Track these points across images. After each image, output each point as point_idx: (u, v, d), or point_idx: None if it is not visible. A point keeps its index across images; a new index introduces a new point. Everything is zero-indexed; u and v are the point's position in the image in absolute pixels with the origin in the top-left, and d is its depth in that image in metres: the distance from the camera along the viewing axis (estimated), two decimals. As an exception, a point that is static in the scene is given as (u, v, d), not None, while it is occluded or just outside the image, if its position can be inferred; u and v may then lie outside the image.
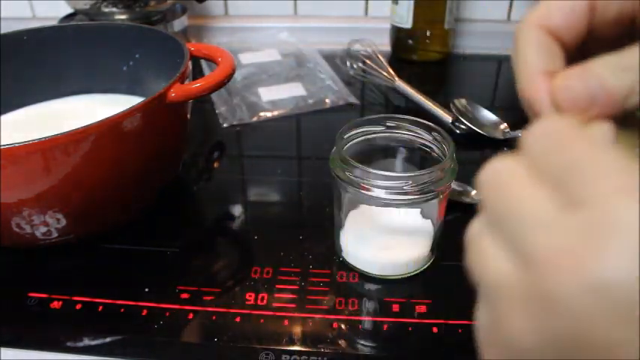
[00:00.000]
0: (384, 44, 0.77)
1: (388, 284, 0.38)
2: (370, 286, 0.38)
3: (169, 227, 0.44)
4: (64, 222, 0.37)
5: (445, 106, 0.58)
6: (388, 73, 0.64)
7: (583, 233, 0.14)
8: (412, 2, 0.70)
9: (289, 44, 0.78)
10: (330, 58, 0.73)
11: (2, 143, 0.31)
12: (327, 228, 0.42)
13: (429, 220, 0.38)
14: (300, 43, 0.79)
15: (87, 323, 0.35)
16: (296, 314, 0.35)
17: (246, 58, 0.74)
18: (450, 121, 0.56)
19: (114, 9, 0.70)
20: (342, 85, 0.66)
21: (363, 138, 0.38)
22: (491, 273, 0.17)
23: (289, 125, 0.60)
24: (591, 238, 0.13)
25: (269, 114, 0.61)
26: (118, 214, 0.42)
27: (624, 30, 0.21)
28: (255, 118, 0.60)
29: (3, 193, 0.33)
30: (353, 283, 0.38)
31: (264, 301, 0.36)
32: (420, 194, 0.33)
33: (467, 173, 0.51)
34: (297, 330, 0.34)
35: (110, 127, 0.34)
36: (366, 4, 0.82)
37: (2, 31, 0.49)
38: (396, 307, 0.36)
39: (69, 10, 0.76)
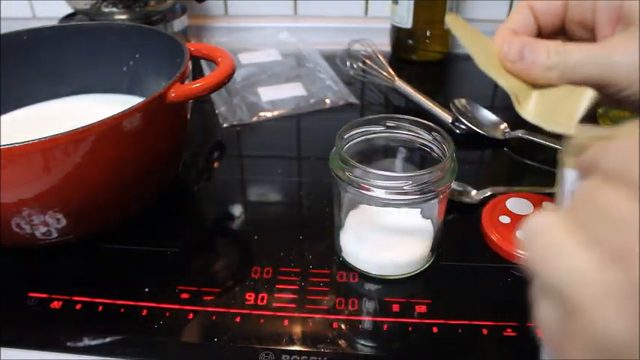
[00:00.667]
0: (384, 44, 0.77)
1: (388, 284, 0.38)
2: (370, 286, 0.38)
3: (169, 227, 0.44)
4: (64, 222, 0.37)
5: (445, 106, 0.58)
6: (388, 73, 0.64)
7: None
8: (412, 2, 0.70)
9: (289, 44, 0.78)
10: (330, 58, 0.73)
11: (2, 143, 0.31)
12: (327, 228, 0.42)
13: (429, 220, 0.38)
14: (300, 43, 0.79)
15: (87, 323, 0.35)
16: (296, 314, 0.35)
17: (246, 58, 0.74)
18: (450, 121, 0.56)
19: (114, 9, 0.70)
20: (342, 85, 0.66)
21: (363, 138, 0.38)
22: (571, 271, 0.16)
23: (289, 125, 0.60)
24: None
25: (269, 114, 0.61)
26: (118, 214, 0.42)
27: (588, 35, 0.29)
28: (255, 118, 0.60)
29: (3, 193, 0.33)
30: (353, 283, 0.38)
31: (264, 301, 0.36)
32: (420, 194, 0.33)
33: (467, 173, 0.51)
34: (297, 330, 0.34)
35: (110, 127, 0.34)
36: (366, 4, 0.82)
37: (2, 31, 0.49)
38: (396, 307, 0.36)
39: (69, 10, 0.76)
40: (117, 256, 0.41)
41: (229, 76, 0.41)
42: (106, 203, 0.39)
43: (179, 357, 0.34)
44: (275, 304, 0.36)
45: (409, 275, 0.38)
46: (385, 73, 0.65)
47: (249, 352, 0.33)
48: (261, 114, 0.61)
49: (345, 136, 0.37)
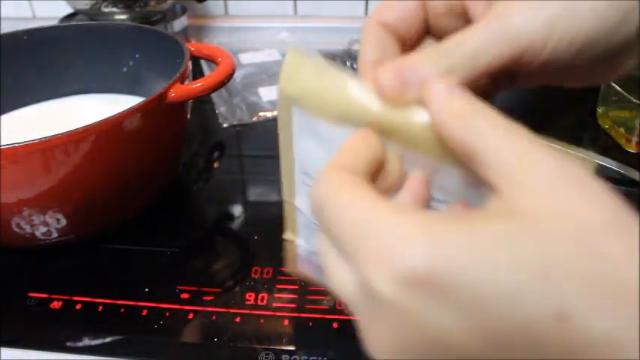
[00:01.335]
0: (384, 44, 0.77)
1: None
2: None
3: (169, 227, 0.44)
4: (64, 222, 0.37)
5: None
6: (388, 73, 0.64)
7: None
8: (412, 2, 0.70)
9: (289, 44, 0.78)
10: (330, 58, 0.73)
11: (2, 143, 0.31)
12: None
13: None
14: (300, 43, 0.79)
15: (87, 323, 0.35)
16: (296, 314, 0.35)
17: (246, 58, 0.74)
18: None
19: (114, 9, 0.70)
20: (342, 85, 0.66)
21: None
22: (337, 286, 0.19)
23: (289, 125, 0.60)
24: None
25: (269, 114, 0.61)
26: (117, 214, 0.42)
27: (460, 22, 0.23)
28: (255, 118, 0.60)
29: (3, 193, 0.33)
30: (353, 283, 0.38)
31: (264, 301, 0.36)
32: None
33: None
34: (297, 330, 0.34)
35: (110, 127, 0.34)
36: (366, 4, 0.82)
37: (2, 31, 0.49)
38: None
39: (69, 10, 0.76)
40: (117, 256, 0.41)
41: (229, 76, 0.41)
42: (106, 203, 0.39)
43: (179, 357, 0.34)
44: (275, 304, 0.36)
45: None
46: (385, 73, 0.65)
47: (249, 352, 0.33)
48: (261, 114, 0.61)
49: None
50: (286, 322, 0.35)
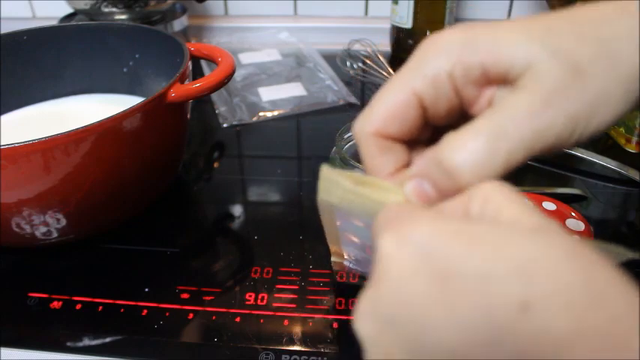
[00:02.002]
0: (384, 44, 0.77)
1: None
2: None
3: (169, 227, 0.44)
4: (64, 222, 0.37)
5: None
6: (388, 73, 0.64)
7: None
8: (412, 2, 0.70)
9: (289, 44, 0.78)
10: (330, 58, 0.73)
11: (2, 143, 0.31)
12: (327, 228, 0.42)
13: None
14: (300, 43, 0.79)
15: (87, 323, 0.35)
16: (296, 314, 0.35)
17: (246, 58, 0.74)
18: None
19: (114, 9, 0.70)
20: (342, 85, 0.66)
21: None
22: None
23: (289, 125, 0.60)
24: None
25: (269, 114, 0.61)
26: (117, 214, 0.42)
27: (461, 117, 0.22)
28: (255, 118, 0.60)
29: (3, 193, 0.33)
30: (353, 283, 0.38)
31: (264, 301, 0.36)
32: None
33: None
34: (297, 330, 0.34)
35: (110, 127, 0.34)
36: (366, 4, 0.82)
37: (2, 31, 0.49)
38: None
39: (69, 10, 0.76)
40: (117, 256, 0.41)
41: (229, 76, 0.41)
42: (106, 203, 0.39)
43: (179, 357, 0.34)
44: (275, 304, 0.36)
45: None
46: (385, 73, 0.65)
47: (249, 352, 0.33)
48: (261, 114, 0.61)
49: (345, 136, 0.37)
50: (286, 322, 0.35)
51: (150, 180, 0.42)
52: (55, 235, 0.38)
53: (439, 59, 0.21)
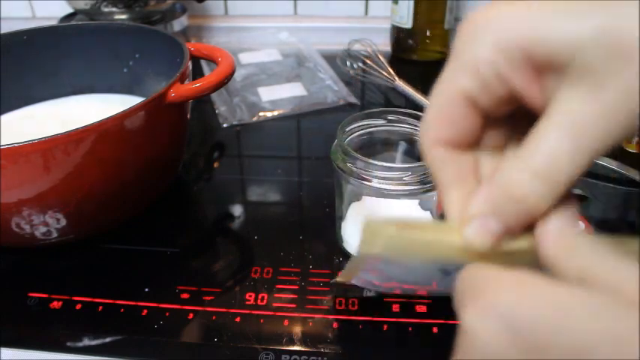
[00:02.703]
0: (384, 44, 0.77)
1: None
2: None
3: (169, 227, 0.44)
4: (64, 222, 0.37)
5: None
6: (388, 73, 0.64)
7: None
8: (412, 2, 0.70)
9: (289, 44, 0.78)
10: (330, 58, 0.73)
11: (2, 143, 0.31)
12: (327, 228, 0.42)
13: (428, 212, 0.39)
14: (300, 43, 0.79)
15: (87, 323, 0.35)
16: (296, 314, 0.35)
17: (246, 58, 0.74)
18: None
19: (114, 9, 0.70)
20: (342, 85, 0.66)
21: (363, 131, 0.39)
22: None
23: (289, 125, 0.60)
24: None
25: (269, 114, 0.61)
26: (117, 214, 0.42)
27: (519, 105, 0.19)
28: (255, 118, 0.60)
29: (3, 193, 0.33)
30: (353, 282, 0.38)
31: (264, 301, 0.36)
32: (420, 185, 0.34)
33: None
34: (297, 330, 0.34)
35: (110, 127, 0.34)
36: (366, 4, 0.82)
37: (2, 31, 0.49)
38: (396, 307, 0.36)
39: (69, 10, 0.76)
40: (117, 256, 0.41)
41: (229, 76, 0.41)
42: (105, 203, 0.39)
43: (179, 357, 0.34)
44: (275, 304, 0.36)
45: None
46: (385, 73, 0.65)
47: (249, 352, 0.33)
48: (261, 114, 0.61)
49: (347, 129, 0.37)
50: (286, 322, 0.35)
51: (150, 180, 0.42)
52: (55, 235, 0.38)
53: (476, 45, 0.18)
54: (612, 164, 0.48)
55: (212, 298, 0.37)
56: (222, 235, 0.45)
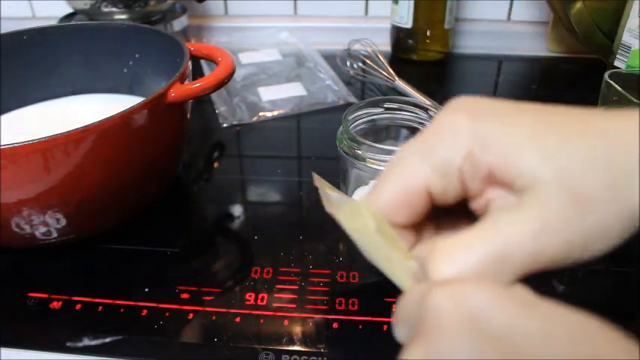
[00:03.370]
0: (384, 44, 0.77)
1: (388, 284, 0.38)
2: (370, 286, 0.38)
3: (169, 227, 0.44)
4: (64, 222, 0.37)
5: (445, 106, 0.58)
6: (388, 73, 0.64)
7: None
8: (412, 2, 0.70)
9: (289, 44, 0.78)
10: (330, 58, 0.73)
11: (2, 143, 0.31)
12: (327, 228, 0.42)
13: None
14: (300, 43, 0.79)
15: (87, 323, 0.35)
16: (296, 314, 0.35)
17: (246, 58, 0.74)
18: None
19: (114, 9, 0.70)
20: (342, 85, 0.67)
21: (366, 119, 0.40)
22: None
23: (289, 125, 0.60)
24: None
25: (269, 114, 0.61)
26: (117, 214, 0.42)
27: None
28: (255, 118, 0.60)
29: (3, 193, 0.33)
30: (353, 283, 0.38)
31: (264, 301, 0.36)
32: None
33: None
34: (297, 330, 0.34)
35: (110, 127, 0.34)
36: (366, 4, 0.82)
37: (2, 31, 0.49)
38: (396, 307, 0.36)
39: (69, 10, 0.76)
40: (117, 256, 0.41)
41: (229, 76, 0.41)
42: (106, 203, 0.39)
43: (179, 357, 0.34)
44: (275, 304, 0.36)
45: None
46: (385, 73, 0.65)
47: (249, 352, 0.33)
48: (261, 114, 0.61)
49: (351, 117, 0.39)
50: (286, 322, 0.35)
51: (150, 180, 0.42)
52: (55, 235, 0.38)
53: (450, 149, 0.21)
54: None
55: (212, 298, 0.37)
56: (222, 235, 0.45)
